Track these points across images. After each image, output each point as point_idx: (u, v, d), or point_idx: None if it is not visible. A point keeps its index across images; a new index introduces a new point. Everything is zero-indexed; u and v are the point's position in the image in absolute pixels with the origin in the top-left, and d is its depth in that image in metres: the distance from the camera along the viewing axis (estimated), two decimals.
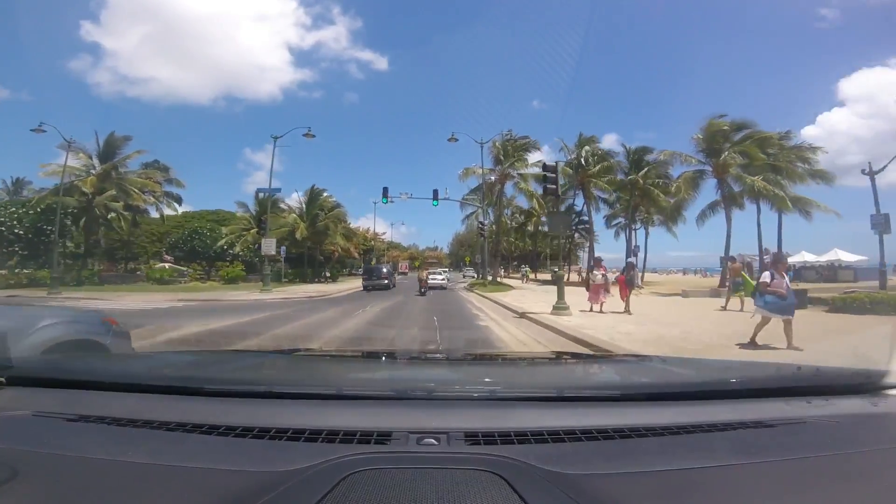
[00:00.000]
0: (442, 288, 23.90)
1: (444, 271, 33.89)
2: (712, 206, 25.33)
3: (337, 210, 34.22)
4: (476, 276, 46.88)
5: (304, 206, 33.32)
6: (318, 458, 0.79)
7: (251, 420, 0.93)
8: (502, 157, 26.76)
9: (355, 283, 28.18)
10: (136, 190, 26.29)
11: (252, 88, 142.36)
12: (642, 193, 29.03)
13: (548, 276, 44.16)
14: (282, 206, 32.71)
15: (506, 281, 33.69)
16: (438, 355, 2.42)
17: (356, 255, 48.03)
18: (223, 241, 29.91)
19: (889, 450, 0.91)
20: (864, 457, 0.87)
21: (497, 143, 26.71)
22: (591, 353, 4.93)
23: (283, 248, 26.73)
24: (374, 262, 42.22)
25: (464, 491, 0.69)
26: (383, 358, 2.03)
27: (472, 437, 0.86)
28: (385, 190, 22.49)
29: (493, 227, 26.50)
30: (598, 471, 0.78)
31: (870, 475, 0.82)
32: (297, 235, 30.31)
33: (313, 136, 19.45)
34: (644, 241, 33.88)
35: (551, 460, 0.79)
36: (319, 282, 31.08)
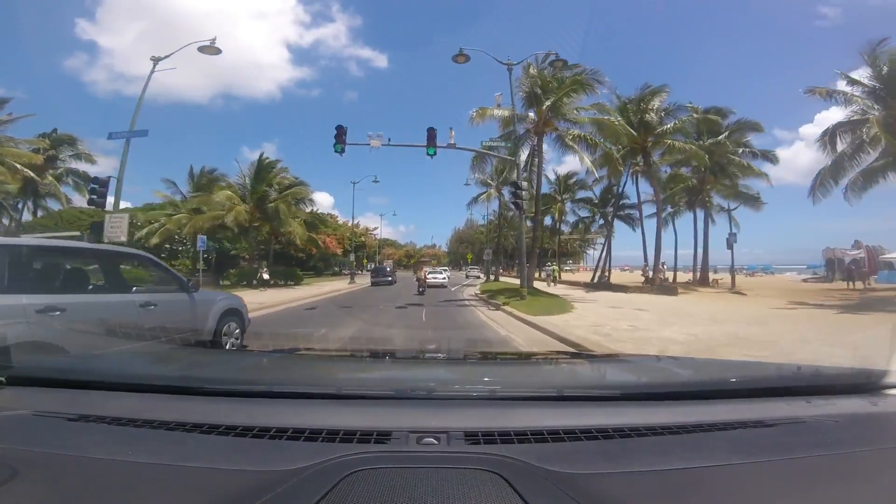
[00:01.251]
0: (442, 286, 24.84)
1: (445, 270, 34.13)
2: (868, 173, 16.44)
3: (296, 189, 27.23)
4: (482, 276, 40.57)
5: (247, 181, 25.96)
6: (319, 458, 0.80)
7: (251, 420, 0.96)
8: (539, 92, 17.80)
9: (321, 290, 22.53)
10: (15, 163, 20.66)
11: (250, 86, 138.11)
12: (716, 168, 23.36)
13: (574, 277, 36.83)
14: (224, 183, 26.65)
15: (516, 281, 26.45)
16: (438, 355, 2.42)
17: (338, 250, 42.30)
18: (143, 231, 24.65)
19: (889, 450, 0.95)
20: (864, 457, 0.90)
21: (532, 70, 17.96)
22: (591, 352, 4.56)
23: (203, 238, 20.30)
24: (365, 260, 47.96)
25: (464, 490, 0.72)
26: (383, 358, 2.08)
27: (472, 437, 0.89)
28: (339, 132, 13.42)
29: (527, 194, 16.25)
30: (599, 470, 0.80)
31: (870, 475, 0.85)
32: (229, 220, 23.29)
33: (218, 50, 12.95)
34: (701, 234, 27.15)
35: (551, 460, 0.81)
36: (280, 285, 24.75)
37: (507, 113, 16.99)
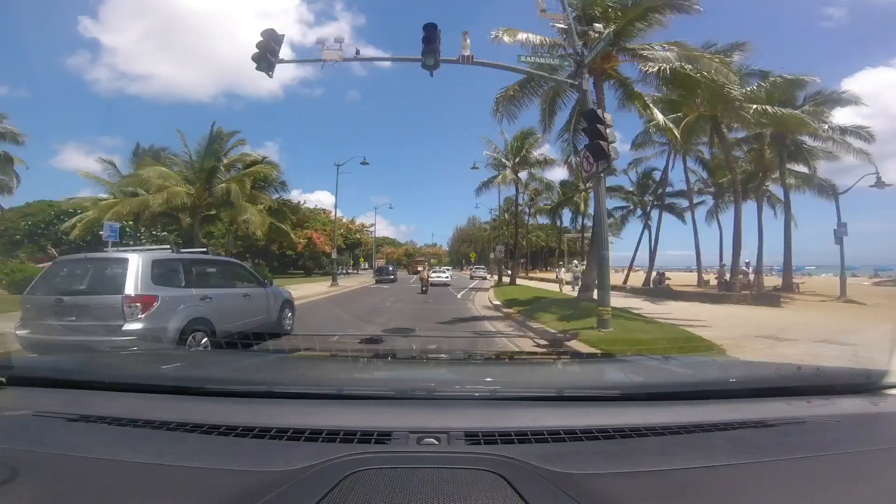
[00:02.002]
0: (446, 285, 26.32)
1: (447, 269, 34.70)
2: None
3: (258, 168, 21.50)
4: (489, 276, 35.62)
5: (192, 156, 20.32)
6: (319, 458, 0.82)
7: (251, 420, 0.99)
8: (598, 13, 11.88)
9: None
10: None
11: (253, 85, 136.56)
12: (790, 146, 18.83)
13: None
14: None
15: (541, 284, 23.58)
16: (439, 355, 2.38)
17: (326, 248, 37.68)
18: (69, 222, 19.62)
19: (889, 450, 0.97)
20: (864, 457, 0.92)
21: None
22: (592, 352, 4.73)
23: (115, 226, 13.50)
24: (362, 258, 49.71)
25: (464, 491, 0.73)
26: (384, 358, 2.06)
27: (473, 437, 0.91)
28: (267, 38, 7.98)
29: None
30: (599, 470, 0.81)
31: (870, 475, 0.87)
32: (157, 203, 17.82)
33: None
34: (771, 227, 20.46)
35: (552, 460, 0.83)
36: None
37: (549, 41, 12.15)
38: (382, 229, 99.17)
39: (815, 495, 0.79)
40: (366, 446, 0.85)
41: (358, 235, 51.02)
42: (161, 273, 5.34)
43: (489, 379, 1.65)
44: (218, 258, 8.26)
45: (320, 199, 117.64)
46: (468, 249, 69.62)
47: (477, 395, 1.22)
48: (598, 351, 5.22)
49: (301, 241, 36.72)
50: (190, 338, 5.19)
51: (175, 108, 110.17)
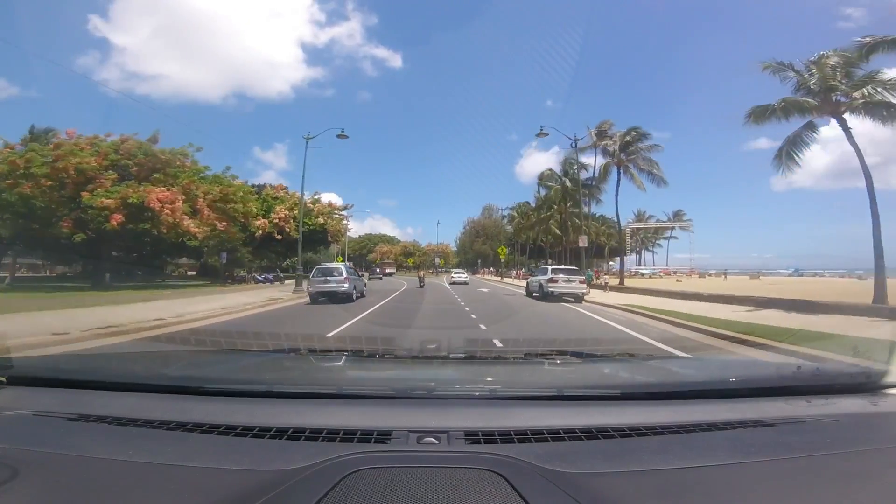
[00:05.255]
0: (465, 283, 31.51)
1: (462, 272, 40.68)
2: None
3: None
4: (588, 287, 18.98)
5: None
6: (319, 458, 0.87)
7: (251, 419, 1.04)
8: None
9: None
10: None
11: (262, 86, 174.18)
12: None
13: (653, 284, 31.42)
14: None
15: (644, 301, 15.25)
16: (439, 354, 2.66)
17: (193, 229, 23.30)
18: None
19: (889, 449, 1.02)
20: (864, 456, 0.97)
21: None
22: (593, 351, 4.56)
23: None
24: (340, 258, 44.76)
25: (464, 490, 0.78)
26: (383, 357, 2.24)
27: (473, 437, 0.96)
28: None
29: None
30: (599, 470, 0.86)
31: (870, 475, 0.92)
32: None
33: None
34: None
35: (551, 459, 0.87)
36: None
37: None
38: (388, 230, 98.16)
39: (814, 495, 0.84)
40: (366, 446, 0.91)
41: (321, 219, 36.01)
42: (348, 269, 17.35)
43: (489, 378, 1.76)
44: (348, 265, 20.89)
45: (327, 200, 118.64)
46: (483, 246, 61.71)
47: (477, 394, 1.30)
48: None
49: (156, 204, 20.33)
50: (355, 293, 16.35)
51: (184, 108, 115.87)
